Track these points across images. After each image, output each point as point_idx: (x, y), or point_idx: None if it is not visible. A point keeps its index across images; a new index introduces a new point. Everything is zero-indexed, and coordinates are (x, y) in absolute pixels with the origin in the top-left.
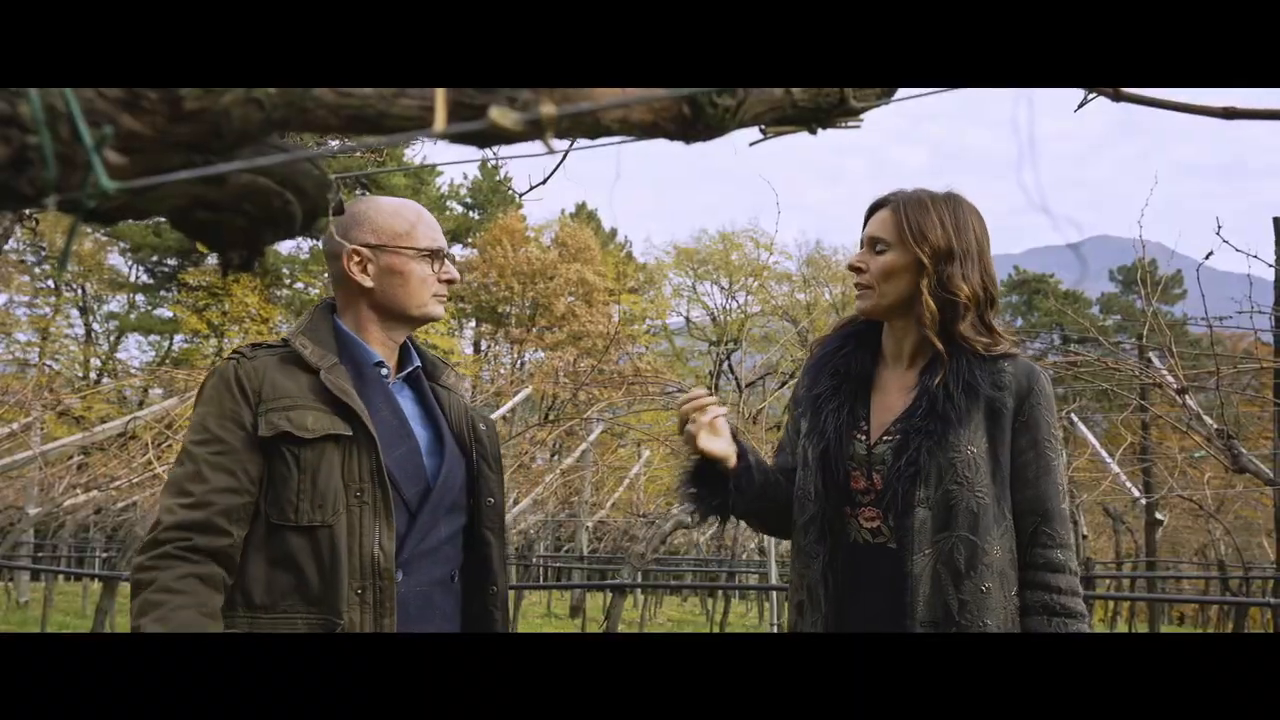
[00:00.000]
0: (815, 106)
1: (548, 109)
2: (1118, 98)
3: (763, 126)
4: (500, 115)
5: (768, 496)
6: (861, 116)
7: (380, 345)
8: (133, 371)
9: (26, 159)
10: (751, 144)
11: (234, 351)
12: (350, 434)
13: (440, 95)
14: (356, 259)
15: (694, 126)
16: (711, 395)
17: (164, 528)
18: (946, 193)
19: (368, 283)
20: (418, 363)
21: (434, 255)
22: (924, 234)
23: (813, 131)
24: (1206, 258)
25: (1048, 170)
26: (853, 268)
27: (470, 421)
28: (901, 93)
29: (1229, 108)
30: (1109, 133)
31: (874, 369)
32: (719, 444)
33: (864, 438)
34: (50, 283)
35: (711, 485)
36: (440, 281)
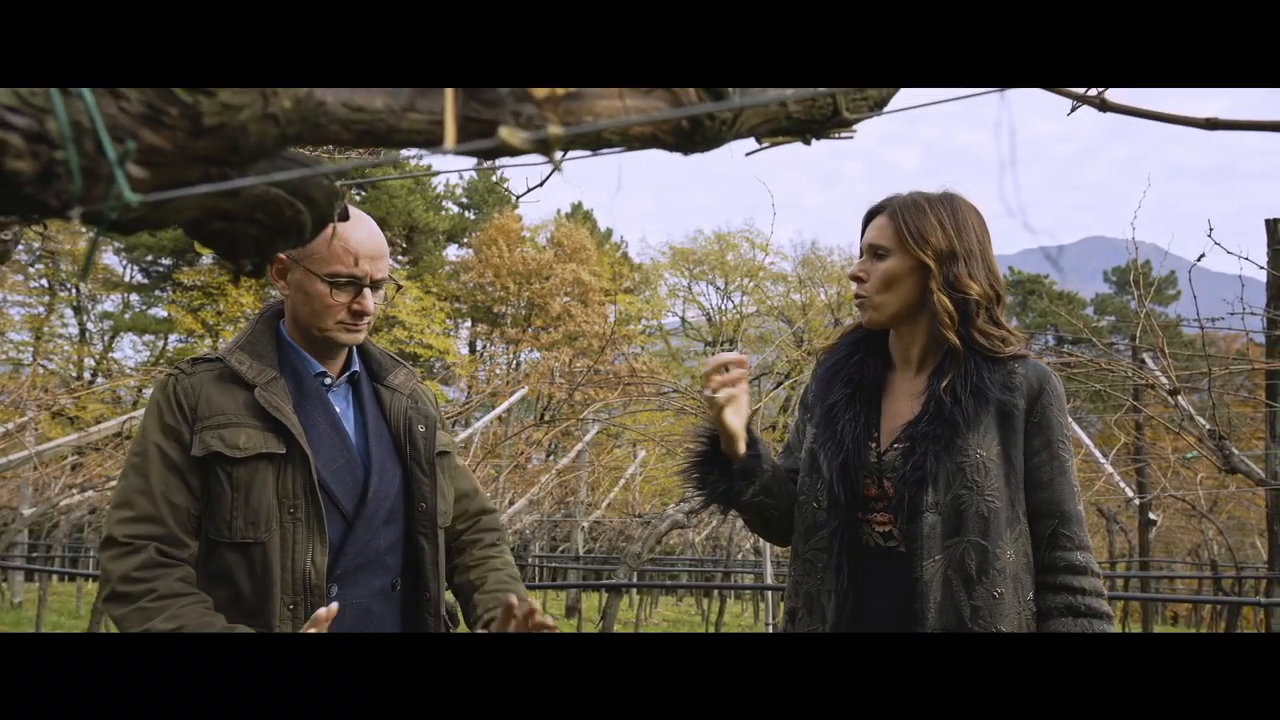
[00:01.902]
0: (809, 118)
1: (555, 129)
2: (1104, 108)
3: (759, 137)
4: (509, 135)
5: (772, 494)
6: (854, 127)
7: (318, 353)
8: (127, 371)
9: (53, 173)
10: (748, 154)
11: (174, 366)
12: (284, 451)
13: (449, 112)
14: (277, 264)
15: (691, 139)
16: (736, 354)
17: (131, 538)
18: (943, 193)
19: (286, 291)
20: (356, 367)
21: (343, 283)
22: (924, 237)
23: (807, 142)
24: (1199, 259)
25: (1042, 172)
26: (854, 277)
27: (408, 423)
28: (892, 104)
29: (1211, 119)
30: (1103, 134)
31: (885, 374)
32: (736, 421)
33: (874, 445)
34: (44, 282)
35: (718, 472)
36: (351, 311)
